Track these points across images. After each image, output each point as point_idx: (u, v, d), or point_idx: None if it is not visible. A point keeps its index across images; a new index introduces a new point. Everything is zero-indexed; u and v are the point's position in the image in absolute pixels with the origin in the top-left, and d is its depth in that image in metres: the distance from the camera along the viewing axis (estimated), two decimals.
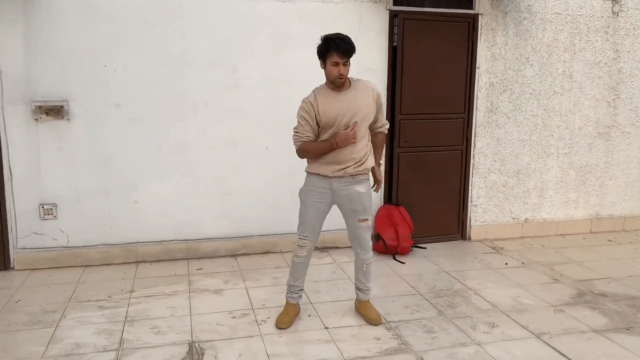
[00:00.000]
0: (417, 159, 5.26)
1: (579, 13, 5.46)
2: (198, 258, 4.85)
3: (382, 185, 3.69)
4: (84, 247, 4.65)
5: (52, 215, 4.54)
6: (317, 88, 3.39)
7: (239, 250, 4.96)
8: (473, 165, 5.46)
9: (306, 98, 3.36)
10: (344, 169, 3.34)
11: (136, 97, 4.54)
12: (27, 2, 4.22)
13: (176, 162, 4.72)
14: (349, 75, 3.33)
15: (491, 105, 5.39)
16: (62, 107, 4.39)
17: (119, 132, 4.55)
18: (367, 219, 3.48)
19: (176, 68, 4.59)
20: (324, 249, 5.12)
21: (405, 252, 4.98)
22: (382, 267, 4.70)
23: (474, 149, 5.42)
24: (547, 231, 5.80)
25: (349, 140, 3.26)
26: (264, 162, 4.89)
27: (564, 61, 5.51)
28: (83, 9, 4.34)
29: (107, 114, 4.51)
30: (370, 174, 3.54)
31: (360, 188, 3.41)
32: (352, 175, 3.38)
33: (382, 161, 3.63)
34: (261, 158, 4.87)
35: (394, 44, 5.05)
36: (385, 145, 3.58)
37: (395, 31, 5.01)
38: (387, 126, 3.58)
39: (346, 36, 3.24)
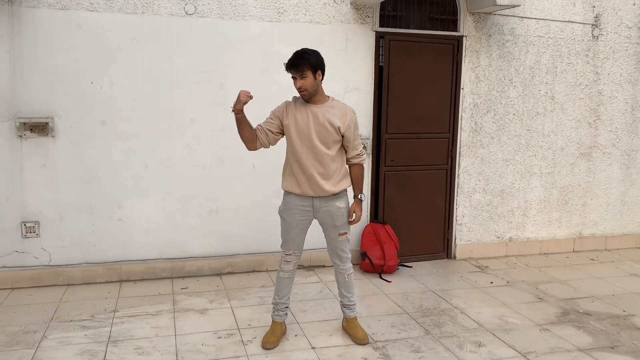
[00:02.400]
0: (402, 178, 5.29)
1: (560, 36, 5.58)
2: (183, 277, 4.80)
3: (359, 220, 3.55)
4: (66, 265, 4.57)
5: (35, 234, 4.47)
6: (297, 96, 3.46)
7: (224, 269, 4.92)
8: (458, 184, 5.51)
9: (285, 101, 3.48)
10: (318, 186, 3.36)
11: (122, 114, 4.53)
12: (13, 19, 4.21)
13: (162, 179, 4.69)
14: (333, 96, 3.45)
15: (475, 125, 5.46)
16: (47, 123, 4.35)
17: (104, 149, 4.52)
18: (346, 232, 3.54)
19: (163, 85, 4.59)
20: (310, 267, 5.10)
21: (391, 270, 4.98)
22: (368, 286, 4.70)
23: (458, 168, 5.48)
24: (531, 250, 5.85)
25: (241, 95, 3.19)
26: (251, 180, 4.89)
27: (547, 83, 5.62)
28: (69, 26, 4.33)
29: (92, 131, 4.48)
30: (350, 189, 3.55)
31: (340, 203, 3.46)
32: (334, 194, 3.43)
33: (365, 197, 3.68)
34: (248, 176, 4.86)
35: (380, 64, 5.11)
36: (363, 177, 3.57)
37: (382, 52, 5.07)
38: (363, 157, 3.51)
39: (301, 51, 3.28)
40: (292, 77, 3.27)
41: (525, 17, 5.45)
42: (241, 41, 4.72)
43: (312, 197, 3.40)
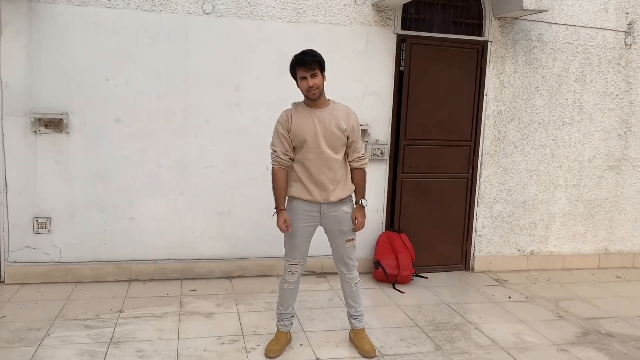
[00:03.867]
0: (421, 186, 5.14)
1: (590, 43, 5.37)
2: (192, 278, 4.74)
3: (362, 227, 3.42)
4: (76, 263, 4.55)
5: (46, 230, 4.46)
6: (297, 102, 3.36)
7: (235, 272, 4.84)
8: (478, 194, 5.33)
9: (285, 111, 3.35)
10: (329, 192, 3.28)
11: (137, 112, 4.49)
12: (31, 14, 4.21)
13: (174, 179, 4.64)
14: (331, 99, 3.35)
15: (499, 133, 5.28)
16: (61, 120, 4.34)
17: (117, 147, 4.49)
18: (353, 239, 3.42)
19: (179, 85, 4.54)
20: (322, 274, 4.99)
21: (405, 281, 4.83)
22: (380, 296, 4.56)
23: (479, 177, 5.30)
24: (553, 265, 5.63)
25: (281, 229, 3.29)
26: (264, 183, 4.77)
27: (574, 91, 5.41)
28: (87, 24, 4.31)
29: (106, 129, 4.46)
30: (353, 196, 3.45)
31: (347, 208, 3.37)
32: (341, 200, 3.34)
33: (367, 203, 3.43)
34: (261, 179, 4.77)
35: (401, 68, 4.97)
36: (365, 183, 3.43)
37: (403, 56, 4.94)
38: (366, 160, 3.39)
39: (311, 50, 3.23)
40: (301, 78, 3.18)
41: (554, 23, 5.25)
42: (259, 41, 4.64)
43: (320, 202, 3.29)
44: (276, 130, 3.31)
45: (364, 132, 4.88)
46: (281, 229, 3.29)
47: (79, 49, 4.33)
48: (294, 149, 3.29)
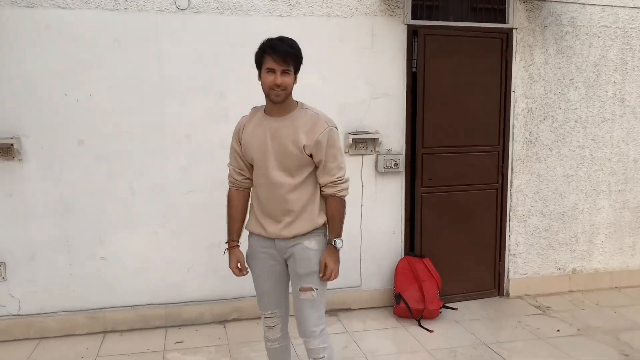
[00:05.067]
0: (443, 200, 4.39)
1: (630, 26, 4.63)
2: (179, 326, 3.98)
3: (335, 276, 2.51)
4: (39, 314, 3.80)
5: (0, 277, 3.71)
6: (258, 106, 2.64)
7: (229, 315, 4.09)
8: (510, 206, 4.58)
9: (243, 117, 2.66)
10: (280, 226, 2.50)
11: (104, 131, 3.76)
12: None
13: (152, 208, 3.89)
14: (302, 101, 2.55)
15: (530, 135, 4.53)
16: (11, 145, 3.61)
17: (82, 173, 3.76)
18: (312, 288, 2.48)
19: (152, 96, 3.81)
20: (333, 311, 4.22)
21: (432, 316, 4.07)
22: (404, 338, 3.80)
23: (510, 187, 4.55)
24: (600, 284, 4.86)
25: (233, 272, 2.64)
26: None
27: (615, 82, 4.66)
28: (38, 28, 3.59)
29: (68, 153, 3.73)
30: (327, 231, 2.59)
31: (310, 243, 2.49)
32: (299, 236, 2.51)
33: (342, 244, 2.53)
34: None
35: (414, 65, 4.24)
36: (343, 216, 2.54)
37: (415, 49, 4.21)
38: (343, 187, 2.51)
39: (292, 40, 2.45)
40: (267, 70, 2.38)
41: (588, 4, 4.52)
42: (245, 40, 3.88)
43: (274, 238, 2.55)
44: (231, 144, 2.66)
45: (373, 140, 4.14)
46: (233, 272, 2.61)
47: (29, 58, 3.61)
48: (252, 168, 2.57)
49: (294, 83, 2.43)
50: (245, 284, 4.05)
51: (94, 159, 3.77)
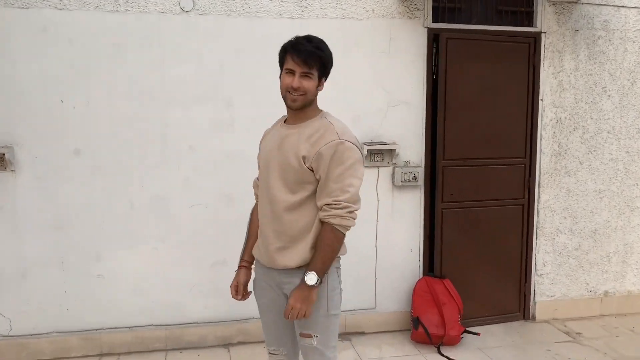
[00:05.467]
0: (465, 216, 4.08)
1: None
2: (180, 349, 3.71)
3: (300, 317, 2.09)
4: (31, 335, 3.56)
5: None
6: None
7: (234, 338, 3.81)
8: (537, 223, 4.25)
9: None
10: (271, 251, 2.17)
11: (101, 141, 3.52)
12: None
13: (153, 223, 3.64)
14: (327, 111, 2.23)
15: (559, 147, 4.21)
16: (3, 155, 3.38)
17: (79, 185, 3.52)
18: (310, 335, 2.16)
19: (154, 103, 3.57)
20: (346, 335, 3.92)
21: (453, 342, 3.75)
22: None
23: (538, 202, 4.23)
24: (634, 307, 4.50)
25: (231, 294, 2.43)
26: None
27: None
28: (33, 31, 3.37)
29: (64, 163, 3.49)
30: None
31: (311, 279, 2.06)
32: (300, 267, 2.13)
33: (317, 282, 2.06)
34: None
35: (434, 72, 3.95)
36: (331, 251, 2.07)
37: (436, 55, 3.92)
38: (338, 213, 2.03)
39: (320, 40, 2.15)
40: (287, 70, 2.12)
41: (623, 7, 4.20)
42: (253, 44, 3.66)
43: (269, 266, 2.23)
44: None
45: (390, 151, 3.85)
46: (231, 293, 2.41)
47: (23, 63, 3.38)
48: None
49: (317, 89, 2.13)
50: (252, 304, 3.79)
51: (90, 170, 3.53)
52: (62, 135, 3.48)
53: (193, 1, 3.55)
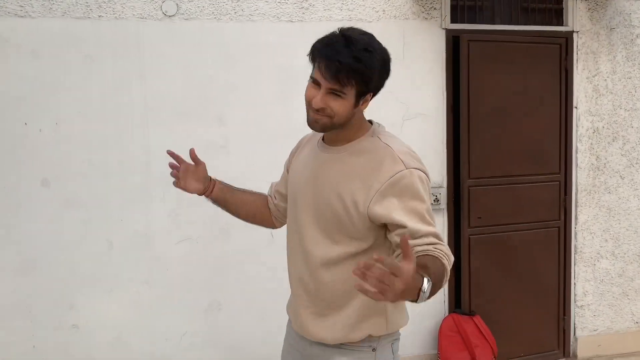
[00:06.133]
0: (495, 243, 3.57)
1: None
2: None
3: (386, 298, 1.16)
4: None
5: None
6: None
7: None
8: (575, 247, 3.75)
9: (308, 134, 1.79)
10: (301, 315, 1.63)
11: (73, 169, 3.02)
12: None
13: (135, 264, 3.12)
14: (379, 124, 1.61)
15: (597, 160, 3.72)
16: None
17: (47, 221, 3.00)
18: None
19: (133, 123, 3.07)
20: None
21: None
22: None
23: (575, 224, 3.73)
24: None
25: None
26: (270, 258, 3.25)
27: None
28: None
29: (29, 196, 2.98)
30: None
31: (426, 287, 1.26)
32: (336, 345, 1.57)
33: (428, 290, 1.23)
34: (265, 252, 3.24)
35: (455, 79, 3.47)
36: (443, 275, 1.36)
37: (458, 59, 3.44)
38: (446, 250, 1.41)
39: (366, 41, 1.43)
40: (312, 80, 1.47)
41: None
42: (248, 52, 3.18)
43: (297, 332, 1.69)
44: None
45: None
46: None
47: None
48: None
49: (354, 109, 1.47)
50: (254, 356, 3.28)
51: (61, 204, 3.02)
52: (27, 163, 2.97)
53: (177, 5, 3.07)
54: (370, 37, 1.46)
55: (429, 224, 1.43)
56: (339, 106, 1.44)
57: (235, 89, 3.17)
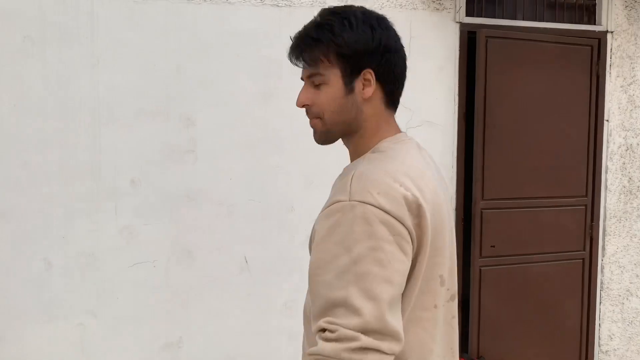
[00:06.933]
0: (510, 276, 3.05)
1: None
2: None
3: None
4: None
5: None
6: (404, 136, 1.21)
7: None
8: (601, 283, 3.23)
9: None
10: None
11: (5, 173, 2.49)
12: None
13: (79, 289, 2.59)
14: (393, 137, 1.14)
15: (629, 182, 3.22)
16: None
17: None
18: None
19: (82, 121, 2.54)
20: None
21: None
22: None
23: (602, 256, 3.22)
24: None
25: None
26: (241, 283, 2.75)
27: None
28: None
29: None
30: None
31: None
32: None
33: None
34: (236, 279, 2.73)
35: (470, 82, 2.97)
36: None
37: (475, 58, 2.93)
38: (335, 349, 0.92)
39: (326, 16, 1.08)
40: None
41: None
42: (224, 40, 2.67)
43: None
44: None
45: None
46: None
47: None
48: None
49: (346, 96, 1.08)
50: None
51: None
52: None
53: None
54: (330, 14, 1.08)
55: (321, 296, 0.97)
56: (324, 96, 1.08)
57: (207, 84, 2.65)
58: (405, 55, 1.13)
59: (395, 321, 0.94)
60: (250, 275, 2.74)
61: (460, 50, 2.92)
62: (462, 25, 2.92)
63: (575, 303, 3.20)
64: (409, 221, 0.96)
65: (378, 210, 0.95)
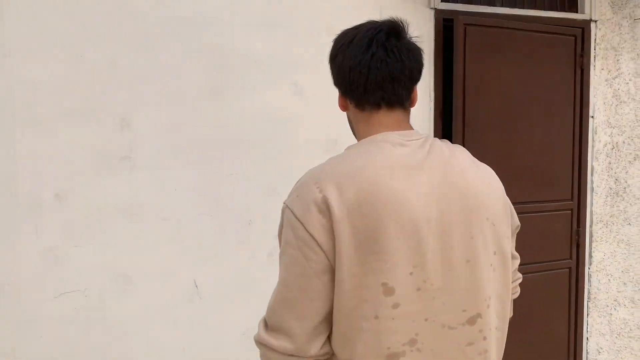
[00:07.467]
0: None
1: None
2: None
3: None
4: None
5: None
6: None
7: None
8: (588, 293, 3.00)
9: None
10: None
11: None
12: None
13: None
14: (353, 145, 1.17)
15: (616, 183, 2.98)
16: None
17: None
18: None
19: None
20: None
21: None
22: None
23: (589, 264, 2.98)
24: None
25: None
26: (191, 313, 2.36)
27: None
28: None
29: None
30: None
31: None
32: None
33: None
34: (184, 306, 2.33)
35: (446, 74, 2.66)
36: None
37: (453, 48, 2.63)
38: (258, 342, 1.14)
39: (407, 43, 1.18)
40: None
41: None
42: (166, 28, 2.27)
43: None
44: None
45: None
46: None
47: None
48: None
49: (345, 111, 1.21)
50: None
51: None
52: None
53: None
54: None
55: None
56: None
57: (145, 79, 2.25)
58: (355, 51, 1.07)
59: (287, 319, 1.01)
60: (202, 302, 2.35)
61: (435, 39, 2.62)
62: (438, 12, 2.61)
63: (562, 315, 2.95)
64: (316, 225, 0.97)
65: (290, 213, 1.01)
